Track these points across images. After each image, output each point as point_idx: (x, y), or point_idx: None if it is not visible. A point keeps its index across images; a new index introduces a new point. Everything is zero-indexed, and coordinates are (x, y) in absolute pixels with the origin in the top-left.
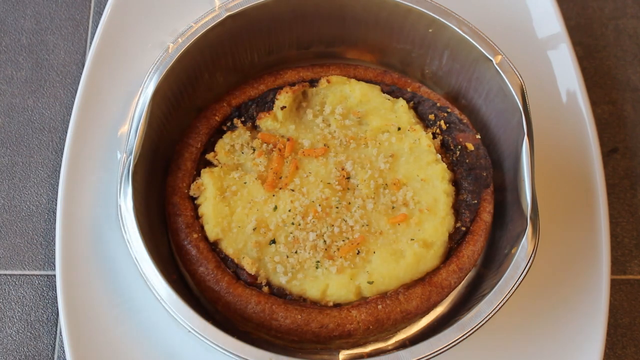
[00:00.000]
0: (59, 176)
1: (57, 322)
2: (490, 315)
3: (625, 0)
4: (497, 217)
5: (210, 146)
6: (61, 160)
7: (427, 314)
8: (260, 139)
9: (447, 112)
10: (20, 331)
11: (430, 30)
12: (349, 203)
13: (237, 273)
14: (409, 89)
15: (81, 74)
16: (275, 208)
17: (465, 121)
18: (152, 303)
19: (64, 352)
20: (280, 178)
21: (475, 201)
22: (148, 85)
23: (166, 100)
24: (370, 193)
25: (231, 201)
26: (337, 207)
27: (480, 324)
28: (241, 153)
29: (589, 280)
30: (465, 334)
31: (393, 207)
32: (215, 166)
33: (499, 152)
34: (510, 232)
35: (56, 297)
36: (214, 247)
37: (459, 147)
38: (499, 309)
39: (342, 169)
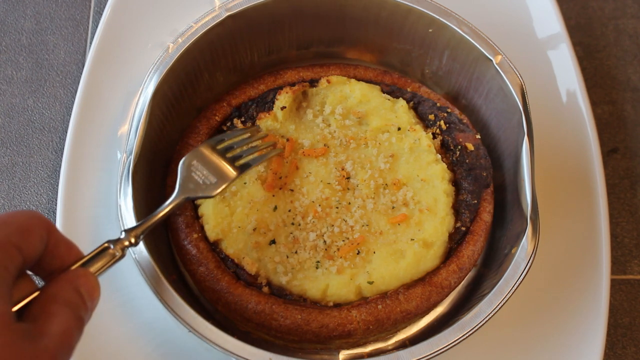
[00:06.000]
0: (59, 176)
1: None
2: (490, 315)
3: (625, 0)
4: (497, 217)
5: None
6: (61, 160)
7: (427, 314)
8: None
9: (447, 112)
10: None
11: (430, 30)
12: (349, 203)
13: (237, 273)
14: (409, 89)
15: (81, 74)
16: (275, 208)
17: (465, 121)
18: (152, 303)
19: None
20: (280, 178)
21: (475, 201)
22: (148, 85)
23: (166, 100)
24: (370, 193)
25: (231, 201)
26: (337, 207)
27: (480, 324)
28: None
29: (589, 280)
30: (465, 334)
31: (393, 207)
32: None
33: (499, 152)
34: (510, 232)
35: None
36: (214, 247)
37: (459, 147)
38: (499, 309)
39: (342, 169)
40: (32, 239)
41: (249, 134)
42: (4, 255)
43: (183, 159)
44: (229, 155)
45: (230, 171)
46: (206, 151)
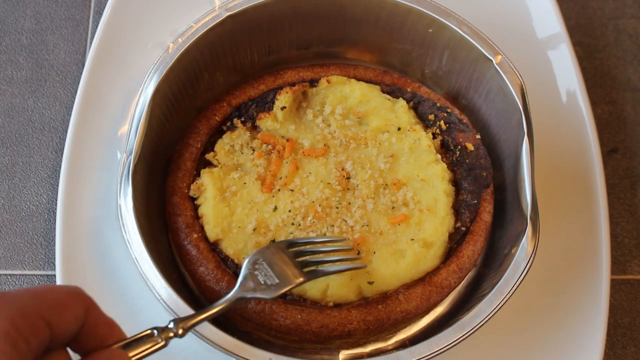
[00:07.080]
0: (59, 176)
1: None
2: (490, 315)
3: (625, 0)
4: (497, 217)
5: (210, 146)
6: (61, 160)
7: (427, 314)
8: (260, 140)
9: (447, 112)
10: None
11: (430, 30)
12: (349, 203)
13: (237, 273)
14: (409, 89)
15: (81, 74)
16: (275, 208)
17: (465, 121)
18: (152, 303)
19: None
20: (281, 178)
21: (475, 201)
22: (148, 85)
23: (166, 100)
24: (370, 193)
25: (231, 202)
26: (337, 207)
27: (480, 324)
28: (241, 153)
29: (589, 280)
30: (465, 334)
31: (393, 207)
32: (215, 166)
33: (499, 152)
34: (510, 232)
35: None
36: (214, 247)
37: (459, 147)
38: (499, 309)
39: (342, 169)
40: (66, 315)
41: (327, 241)
42: (29, 328)
43: (250, 255)
44: (299, 259)
45: (296, 276)
46: (275, 251)
